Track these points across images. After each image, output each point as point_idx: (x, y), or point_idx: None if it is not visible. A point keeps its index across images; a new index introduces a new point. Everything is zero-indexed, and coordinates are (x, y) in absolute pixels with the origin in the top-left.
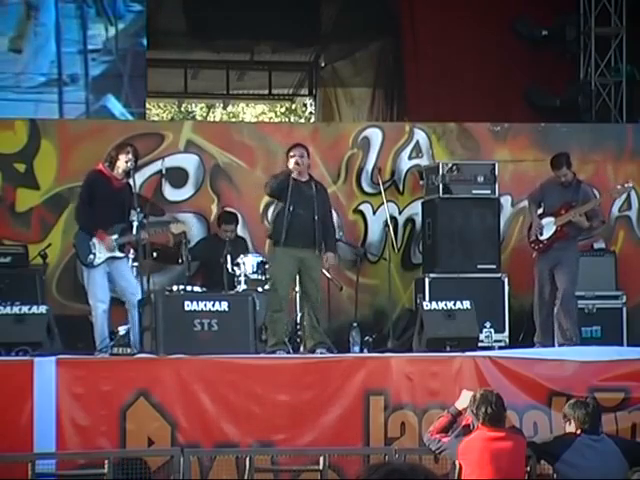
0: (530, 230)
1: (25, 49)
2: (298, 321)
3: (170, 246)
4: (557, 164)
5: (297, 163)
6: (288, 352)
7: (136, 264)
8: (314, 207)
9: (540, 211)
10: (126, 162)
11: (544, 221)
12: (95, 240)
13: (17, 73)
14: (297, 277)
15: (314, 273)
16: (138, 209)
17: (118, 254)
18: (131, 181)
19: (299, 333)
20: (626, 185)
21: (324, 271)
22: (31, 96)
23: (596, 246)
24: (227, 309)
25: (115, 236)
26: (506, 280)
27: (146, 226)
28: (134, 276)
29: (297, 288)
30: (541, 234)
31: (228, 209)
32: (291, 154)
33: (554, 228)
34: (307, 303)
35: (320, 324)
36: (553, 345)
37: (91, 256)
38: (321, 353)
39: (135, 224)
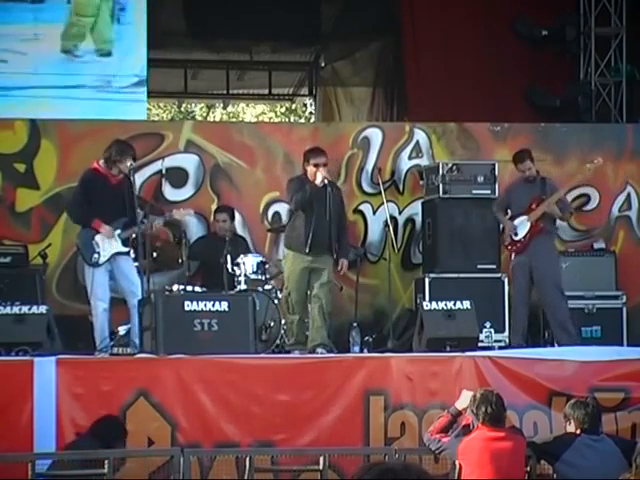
0: (503, 234)
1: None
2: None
3: (170, 242)
4: (520, 157)
5: (324, 180)
6: (307, 352)
7: (136, 264)
8: (330, 213)
9: (508, 216)
10: (128, 166)
11: (517, 221)
12: (97, 238)
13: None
14: (309, 279)
15: (325, 277)
16: (138, 209)
17: (122, 249)
18: (131, 179)
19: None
20: (595, 161)
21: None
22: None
23: (596, 246)
24: (227, 309)
25: (118, 231)
26: (506, 280)
27: (146, 224)
28: (136, 275)
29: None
30: (516, 234)
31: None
32: (314, 162)
33: (528, 225)
34: (317, 304)
35: (327, 326)
36: (537, 345)
37: (95, 255)
38: (321, 353)
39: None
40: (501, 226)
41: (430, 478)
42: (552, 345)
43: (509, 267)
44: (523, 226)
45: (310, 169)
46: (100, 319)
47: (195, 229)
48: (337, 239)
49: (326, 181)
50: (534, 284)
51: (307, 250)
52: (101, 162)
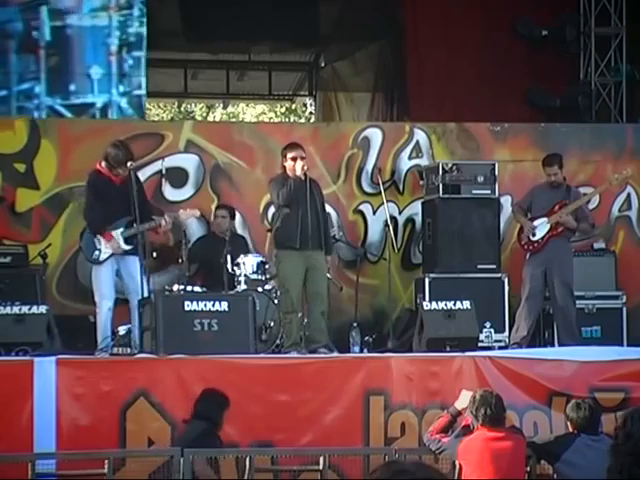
0: (521, 233)
1: None
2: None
3: (170, 245)
4: (550, 161)
5: (303, 168)
6: (307, 352)
7: None
8: (316, 207)
9: (528, 218)
10: (128, 164)
11: (536, 222)
12: (100, 237)
13: None
14: (305, 277)
15: (323, 272)
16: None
17: (126, 247)
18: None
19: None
20: (624, 172)
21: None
22: None
23: (596, 246)
24: (227, 309)
25: (121, 229)
26: (506, 280)
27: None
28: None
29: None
30: (534, 235)
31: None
32: (291, 156)
33: (548, 226)
34: (317, 303)
35: (327, 326)
36: (537, 345)
37: (96, 252)
38: (324, 354)
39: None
40: (507, 226)
41: (439, 478)
42: (552, 345)
43: (524, 267)
44: (543, 227)
45: (289, 164)
46: (104, 318)
47: (195, 229)
48: (325, 233)
49: (305, 170)
50: (547, 285)
51: (298, 245)
52: (103, 163)
